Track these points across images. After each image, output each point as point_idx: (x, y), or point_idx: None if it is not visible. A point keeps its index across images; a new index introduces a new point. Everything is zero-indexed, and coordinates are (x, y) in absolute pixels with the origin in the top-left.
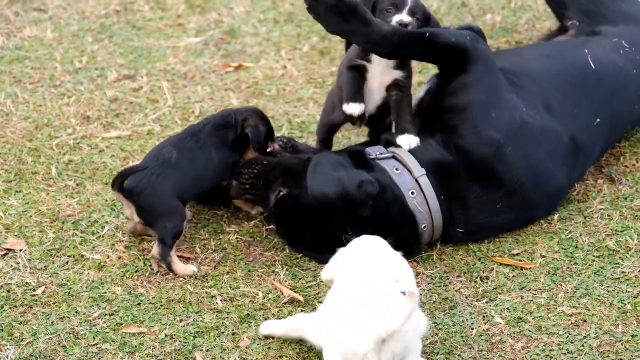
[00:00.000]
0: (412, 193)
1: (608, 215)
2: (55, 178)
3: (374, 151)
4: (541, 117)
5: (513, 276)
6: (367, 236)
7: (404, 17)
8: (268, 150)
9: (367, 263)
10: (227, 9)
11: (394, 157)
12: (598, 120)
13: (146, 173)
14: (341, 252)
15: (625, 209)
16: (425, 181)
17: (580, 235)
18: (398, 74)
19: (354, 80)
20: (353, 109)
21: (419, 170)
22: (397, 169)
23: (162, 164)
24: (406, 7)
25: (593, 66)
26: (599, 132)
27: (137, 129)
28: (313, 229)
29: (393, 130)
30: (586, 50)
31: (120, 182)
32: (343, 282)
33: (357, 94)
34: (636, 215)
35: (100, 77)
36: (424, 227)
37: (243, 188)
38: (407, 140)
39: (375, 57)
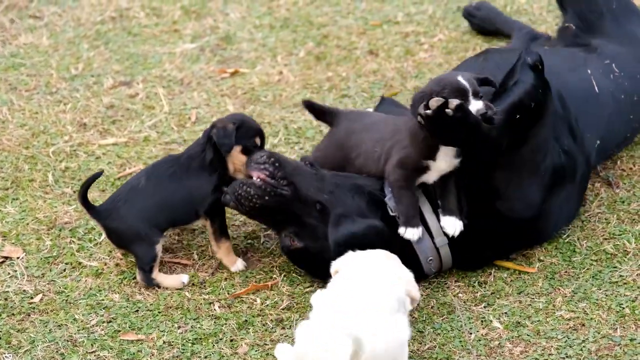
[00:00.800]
0: (430, 260)
1: (606, 219)
2: (52, 185)
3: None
4: (568, 153)
5: (511, 281)
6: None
7: (476, 105)
8: (253, 178)
9: (372, 269)
10: (222, 14)
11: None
12: (598, 142)
13: (115, 198)
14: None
15: (622, 213)
16: (445, 251)
17: (578, 239)
18: (458, 161)
19: (412, 200)
20: (411, 234)
21: (441, 239)
22: (430, 260)
23: (130, 189)
24: (469, 92)
25: (597, 90)
26: (598, 153)
27: (134, 136)
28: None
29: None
30: (589, 71)
31: (83, 193)
32: (345, 287)
33: (415, 218)
34: (634, 219)
35: (96, 83)
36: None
37: (240, 212)
38: (452, 225)
39: (440, 155)
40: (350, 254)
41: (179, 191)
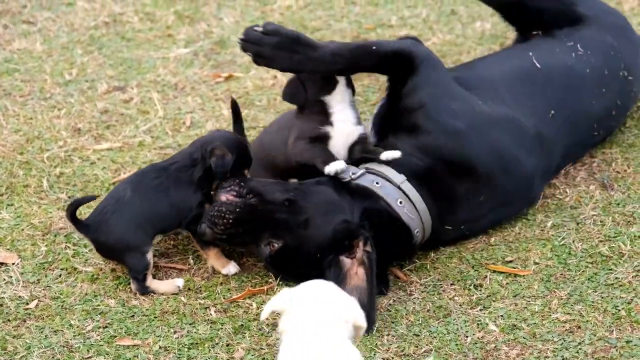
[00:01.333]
0: (400, 202)
1: (601, 222)
2: (47, 191)
3: (348, 173)
4: (499, 108)
5: (507, 283)
6: (315, 281)
7: None
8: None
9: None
10: (216, 19)
11: (368, 172)
12: (553, 112)
13: (101, 210)
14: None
15: (617, 215)
16: (408, 186)
17: (574, 241)
18: (361, 129)
19: (322, 148)
20: (336, 166)
21: (398, 178)
22: (377, 183)
23: (116, 201)
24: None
25: (539, 65)
26: (558, 126)
27: (128, 141)
28: (314, 267)
29: None
30: (530, 53)
31: (72, 211)
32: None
33: (332, 156)
34: (629, 221)
35: (91, 89)
36: (417, 232)
37: (220, 238)
38: (389, 154)
39: (336, 119)
40: (287, 293)
41: (165, 202)
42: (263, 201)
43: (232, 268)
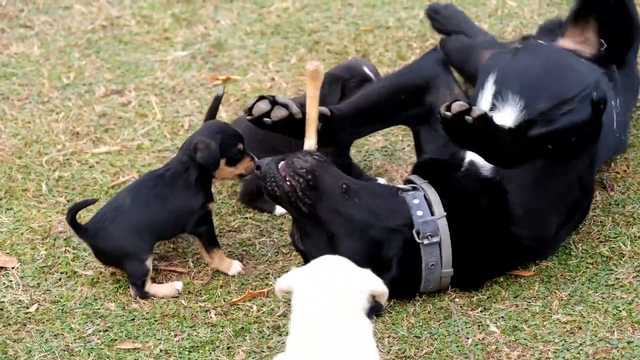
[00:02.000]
0: (430, 288)
1: (601, 222)
2: (46, 195)
3: (426, 230)
4: (586, 187)
5: (507, 285)
6: (324, 256)
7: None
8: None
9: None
10: (213, 22)
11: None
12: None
13: (101, 217)
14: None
15: (617, 215)
16: (446, 279)
17: (574, 242)
18: None
19: None
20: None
21: (448, 272)
22: (432, 265)
23: (115, 209)
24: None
25: (614, 126)
26: None
27: (127, 144)
28: None
29: None
30: (613, 104)
31: (72, 215)
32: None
33: None
34: (629, 221)
35: (88, 92)
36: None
37: (270, 195)
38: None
39: None
40: (296, 273)
41: (165, 210)
42: (310, 216)
43: (237, 266)
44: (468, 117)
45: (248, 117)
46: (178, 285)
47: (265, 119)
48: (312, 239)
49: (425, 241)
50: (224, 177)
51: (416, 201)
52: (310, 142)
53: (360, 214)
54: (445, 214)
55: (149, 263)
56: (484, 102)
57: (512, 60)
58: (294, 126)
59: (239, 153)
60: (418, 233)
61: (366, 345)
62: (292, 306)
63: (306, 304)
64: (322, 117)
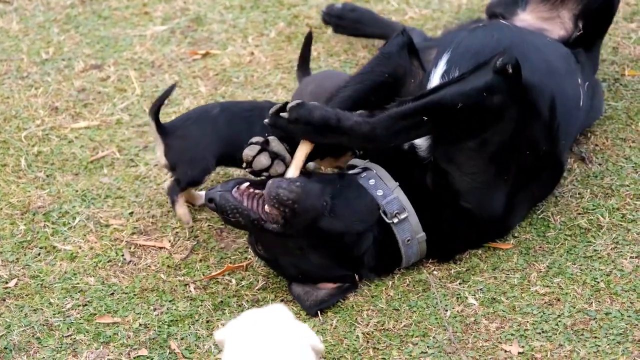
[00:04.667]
0: (408, 241)
1: (579, 194)
2: (25, 170)
3: (392, 209)
4: (540, 157)
5: (486, 257)
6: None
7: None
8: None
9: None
10: None
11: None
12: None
13: (186, 118)
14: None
15: (596, 187)
16: (423, 247)
17: (552, 214)
18: None
19: None
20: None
21: (421, 236)
22: (408, 240)
23: (201, 112)
24: None
25: (581, 103)
26: None
27: (106, 119)
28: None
29: None
30: (579, 81)
31: (156, 110)
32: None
33: None
34: (607, 193)
35: (68, 67)
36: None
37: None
38: None
39: None
40: (233, 325)
41: (245, 134)
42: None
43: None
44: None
45: (247, 170)
46: (191, 221)
47: (264, 173)
48: (279, 249)
49: (395, 220)
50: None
51: (372, 182)
52: (293, 171)
53: (336, 227)
54: (397, 183)
55: (205, 178)
56: (434, 80)
57: (468, 38)
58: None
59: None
60: (385, 214)
61: None
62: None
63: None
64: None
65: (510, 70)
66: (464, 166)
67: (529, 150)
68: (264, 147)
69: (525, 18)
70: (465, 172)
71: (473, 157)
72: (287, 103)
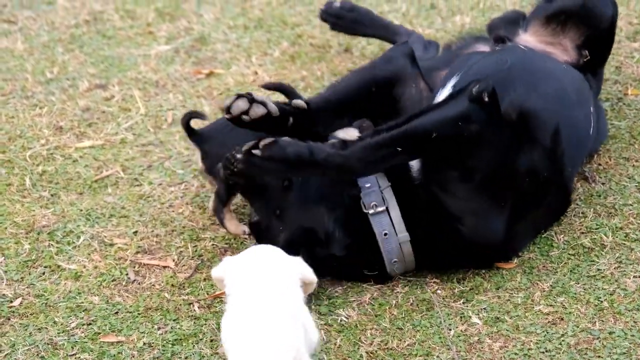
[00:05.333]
0: (394, 262)
1: (582, 213)
2: (30, 189)
3: (370, 201)
4: (542, 184)
5: (489, 276)
6: (256, 246)
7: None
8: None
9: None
10: (196, 16)
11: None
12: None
13: (222, 124)
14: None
15: (599, 207)
16: (407, 249)
17: (556, 233)
18: None
19: None
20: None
21: (404, 236)
22: (385, 234)
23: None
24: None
25: (591, 132)
26: None
27: (110, 138)
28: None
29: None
30: (591, 110)
31: (187, 121)
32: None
33: None
34: (610, 212)
35: (72, 87)
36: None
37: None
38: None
39: None
40: (228, 262)
41: None
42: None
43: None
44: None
45: (227, 116)
46: (245, 228)
47: (244, 117)
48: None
49: (371, 211)
50: None
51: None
52: None
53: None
54: (389, 184)
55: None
56: (439, 100)
57: (481, 62)
58: (272, 124)
59: None
60: (364, 204)
61: (294, 325)
62: (226, 295)
63: (238, 292)
64: (298, 110)
65: (487, 98)
66: (455, 192)
67: (528, 177)
68: (247, 96)
69: (528, 39)
70: (458, 198)
71: (462, 184)
72: (260, 140)
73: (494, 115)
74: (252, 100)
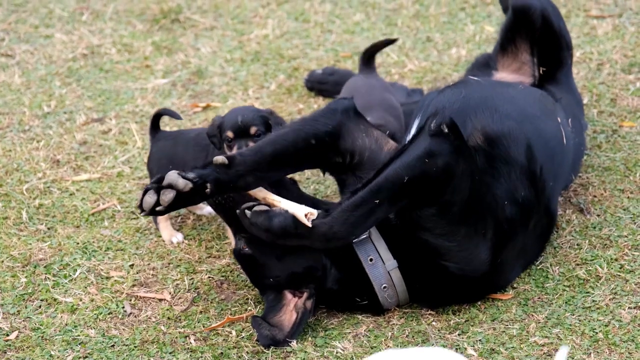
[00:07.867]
0: (384, 288)
1: (577, 245)
2: (26, 222)
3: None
4: (522, 204)
5: (485, 308)
6: None
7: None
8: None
9: None
10: (193, 49)
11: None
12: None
13: (183, 137)
14: None
15: (594, 238)
16: (397, 276)
17: (551, 265)
18: None
19: None
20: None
21: (391, 263)
22: (371, 260)
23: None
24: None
25: (565, 141)
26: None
27: (107, 172)
28: (264, 284)
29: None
30: (559, 119)
31: (158, 115)
32: None
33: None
34: (605, 244)
35: (69, 120)
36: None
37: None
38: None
39: None
40: None
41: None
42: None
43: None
44: (247, 212)
45: (142, 215)
46: (179, 237)
47: (158, 208)
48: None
49: (355, 239)
50: None
51: None
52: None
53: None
54: (396, 265)
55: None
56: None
57: (437, 99)
58: (190, 197)
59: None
60: None
61: None
62: None
63: None
64: (220, 167)
65: (446, 130)
66: (433, 229)
67: (506, 200)
68: (153, 186)
69: (502, 76)
70: (437, 234)
71: (439, 220)
72: (256, 204)
73: (459, 144)
74: (159, 188)
